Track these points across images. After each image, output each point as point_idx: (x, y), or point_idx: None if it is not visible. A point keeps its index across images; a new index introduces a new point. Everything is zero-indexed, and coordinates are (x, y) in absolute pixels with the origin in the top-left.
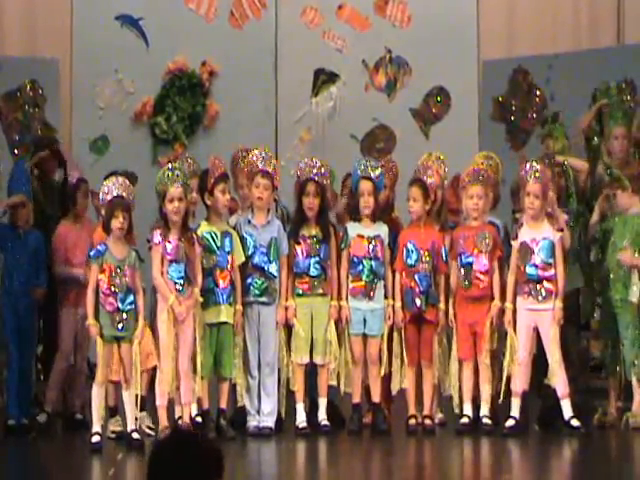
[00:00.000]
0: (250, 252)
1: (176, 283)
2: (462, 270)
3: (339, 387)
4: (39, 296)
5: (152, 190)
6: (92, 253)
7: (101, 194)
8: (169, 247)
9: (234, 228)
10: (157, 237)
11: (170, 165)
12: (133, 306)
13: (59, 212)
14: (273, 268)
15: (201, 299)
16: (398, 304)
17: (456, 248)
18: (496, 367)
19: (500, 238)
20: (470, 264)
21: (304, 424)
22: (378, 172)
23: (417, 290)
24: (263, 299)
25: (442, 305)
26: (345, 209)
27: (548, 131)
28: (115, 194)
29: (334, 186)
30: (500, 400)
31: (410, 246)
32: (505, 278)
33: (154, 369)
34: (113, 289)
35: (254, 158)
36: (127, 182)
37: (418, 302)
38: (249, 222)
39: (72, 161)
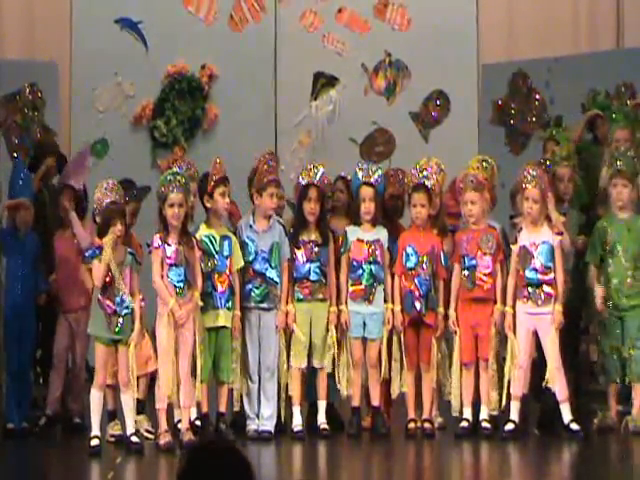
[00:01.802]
0: (251, 258)
1: (176, 287)
2: (466, 272)
3: (340, 390)
4: (42, 301)
5: (152, 192)
6: (87, 254)
7: (94, 202)
8: (169, 251)
9: (234, 233)
10: (157, 241)
11: (174, 170)
12: (130, 309)
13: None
14: (274, 274)
15: (201, 303)
16: (398, 308)
17: (459, 250)
18: (496, 371)
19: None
20: (474, 266)
21: (300, 427)
22: (378, 175)
23: (417, 293)
24: (264, 305)
25: (441, 309)
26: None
27: (550, 134)
28: (108, 201)
29: None
30: (502, 404)
31: (409, 250)
32: (506, 281)
33: (153, 373)
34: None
35: (266, 169)
36: (116, 185)
37: (418, 306)
38: (250, 227)
39: (77, 167)
